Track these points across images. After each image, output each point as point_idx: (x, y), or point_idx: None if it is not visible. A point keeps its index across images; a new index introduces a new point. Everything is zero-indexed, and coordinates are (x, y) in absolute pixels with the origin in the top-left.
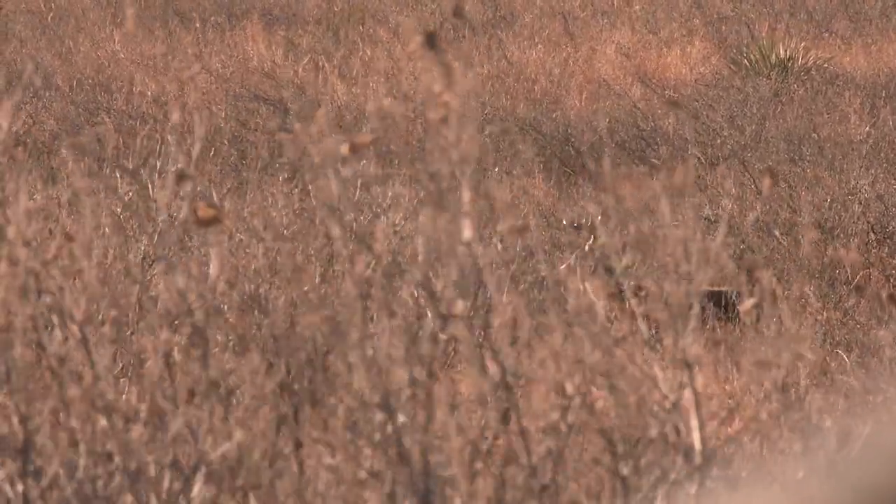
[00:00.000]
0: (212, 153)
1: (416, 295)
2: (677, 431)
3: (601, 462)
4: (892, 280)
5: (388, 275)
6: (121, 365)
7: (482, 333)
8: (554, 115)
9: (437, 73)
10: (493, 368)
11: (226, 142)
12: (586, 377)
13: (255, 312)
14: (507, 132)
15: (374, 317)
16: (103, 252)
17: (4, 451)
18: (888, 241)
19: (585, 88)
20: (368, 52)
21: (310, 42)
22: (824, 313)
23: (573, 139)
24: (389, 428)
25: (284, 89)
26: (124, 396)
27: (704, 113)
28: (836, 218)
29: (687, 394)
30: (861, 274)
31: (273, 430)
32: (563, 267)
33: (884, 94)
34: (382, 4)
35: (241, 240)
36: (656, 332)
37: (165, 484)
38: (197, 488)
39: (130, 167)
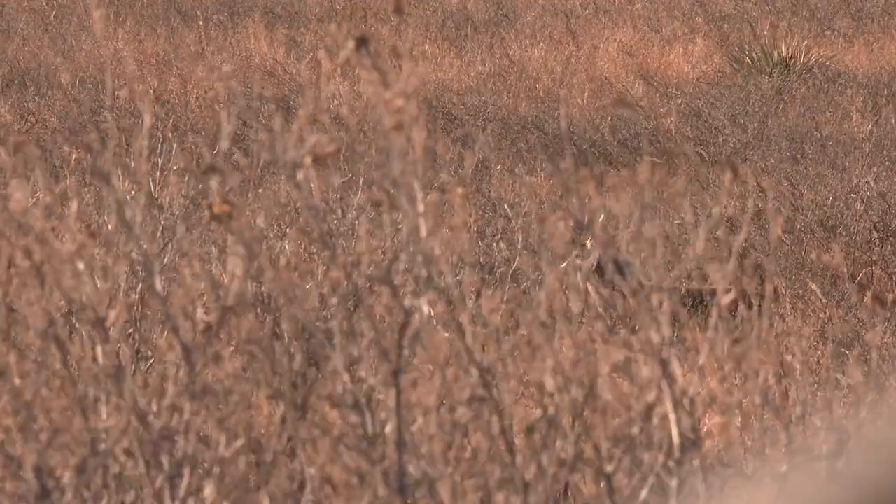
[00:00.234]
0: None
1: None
2: (656, 426)
3: (585, 459)
4: (894, 278)
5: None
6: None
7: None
8: (556, 114)
9: (373, 77)
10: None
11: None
12: (565, 374)
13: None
14: (508, 130)
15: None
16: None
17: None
18: (891, 238)
19: (588, 87)
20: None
21: (312, 40)
22: (826, 311)
23: (575, 137)
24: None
25: (286, 87)
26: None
27: (706, 111)
28: (839, 216)
29: (664, 387)
30: (864, 272)
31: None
32: (562, 265)
33: (886, 92)
34: (385, 2)
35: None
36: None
37: (158, 483)
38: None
39: (132, 165)
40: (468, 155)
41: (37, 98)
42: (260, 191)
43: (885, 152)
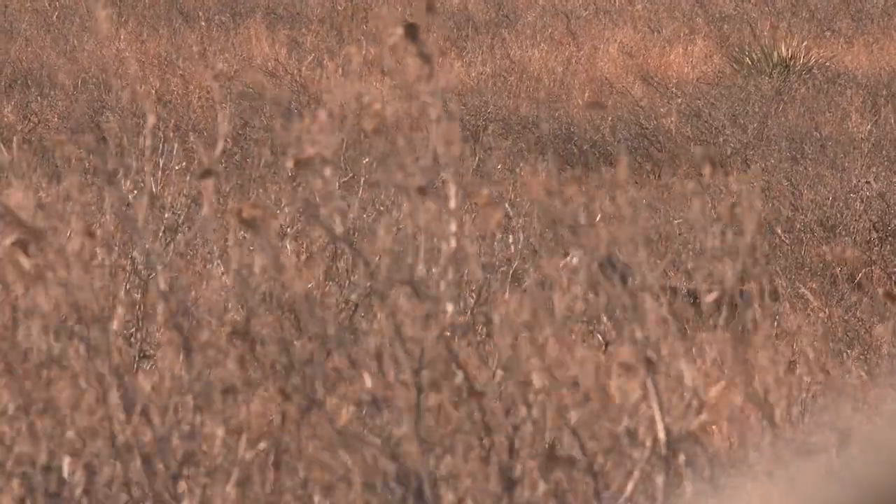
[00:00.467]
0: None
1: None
2: (641, 424)
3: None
4: (893, 277)
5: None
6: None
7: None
8: (556, 114)
9: (418, 65)
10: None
11: (229, 140)
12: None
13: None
14: (509, 131)
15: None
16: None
17: None
18: (890, 238)
19: (588, 87)
20: (372, 51)
21: (313, 41)
22: (826, 310)
23: (576, 137)
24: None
25: (288, 87)
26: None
27: (707, 111)
28: (838, 216)
29: (649, 385)
30: (863, 271)
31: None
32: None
33: (885, 93)
34: (386, 3)
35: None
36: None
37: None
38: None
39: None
40: (490, 158)
41: (39, 98)
42: (272, 188)
43: (884, 152)
